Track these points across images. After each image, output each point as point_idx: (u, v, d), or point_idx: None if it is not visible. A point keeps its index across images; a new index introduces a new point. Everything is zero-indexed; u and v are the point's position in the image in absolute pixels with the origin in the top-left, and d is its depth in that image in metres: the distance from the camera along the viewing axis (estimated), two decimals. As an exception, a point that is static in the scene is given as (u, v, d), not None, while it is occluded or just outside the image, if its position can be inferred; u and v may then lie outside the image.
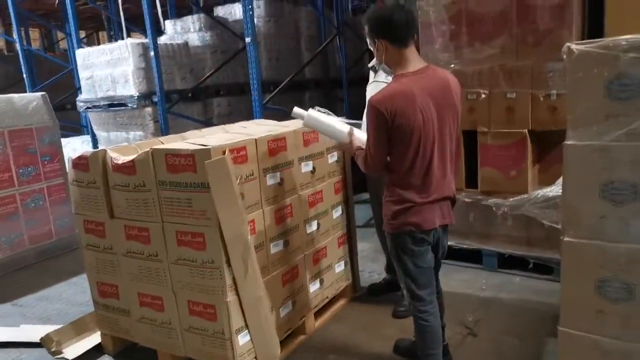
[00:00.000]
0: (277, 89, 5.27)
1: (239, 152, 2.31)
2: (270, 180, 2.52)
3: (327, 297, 3.08)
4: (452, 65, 3.47)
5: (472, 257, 3.67)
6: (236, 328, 2.35)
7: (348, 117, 6.10)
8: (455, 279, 3.49)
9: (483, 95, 3.40)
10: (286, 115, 4.39)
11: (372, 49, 2.12)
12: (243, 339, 2.40)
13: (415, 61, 2.04)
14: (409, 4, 2.95)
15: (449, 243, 3.65)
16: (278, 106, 6.21)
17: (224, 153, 2.18)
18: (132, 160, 2.36)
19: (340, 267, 3.18)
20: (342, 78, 6.48)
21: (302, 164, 2.77)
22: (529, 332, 2.77)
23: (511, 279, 3.44)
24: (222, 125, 3.15)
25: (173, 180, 2.29)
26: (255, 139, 2.43)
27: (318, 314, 3.02)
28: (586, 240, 1.79)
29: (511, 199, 3.41)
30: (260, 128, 2.89)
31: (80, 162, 2.56)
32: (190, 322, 2.44)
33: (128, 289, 2.63)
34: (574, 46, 1.73)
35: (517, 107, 3.29)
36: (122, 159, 2.41)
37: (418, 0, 3.58)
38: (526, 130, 3.28)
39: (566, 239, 1.84)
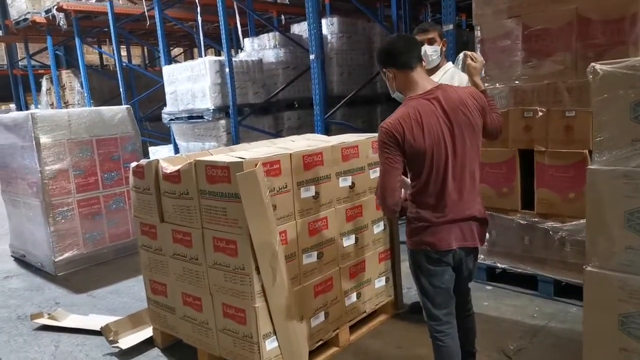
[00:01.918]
0: (340, 104, 5.38)
1: (272, 166, 2.44)
2: (304, 193, 2.62)
3: (365, 312, 3.10)
4: (509, 82, 3.36)
5: (527, 282, 3.49)
6: (264, 333, 2.46)
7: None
8: (506, 304, 3.35)
9: (540, 113, 3.25)
10: (356, 130, 4.45)
11: (386, 82, 2.17)
12: (271, 344, 2.50)
13: (424, 83, 2.05)
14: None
15: (503, 266, 3.58)
16: (348, 121, 6.34)
17: (255, 166, 2.32)
18: (178, 170, 2.58)
19: (380, 283, 3.19)
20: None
21: (340, 178, 2.83)
22: (573, 366, 2.58)
23: (566, 309, 3.22)
24: (272, 139, 3.31)
25: (211, 190, 2.47)
26: (290, 154, 2.54)
27: (354, 327, 3.04)
28: (610, 271, 1.68)
29: (569, 223, 3.23)
30: (305, 143, 3.01)
31: (138, 170, 2.84)
32: (224, 323, 2.60)
33: (174, 288, 2.84)
34: (598, 66, 1.65)
35: (577, 126, 3.11)
36: (170, 168, 2.64)
37: (475, 18, 3.52)
38: (587, 151, 3.08)
39: (589, 268, 1.73)
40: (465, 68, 2.41)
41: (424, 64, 2.17)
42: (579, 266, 3.20)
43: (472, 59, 2.39)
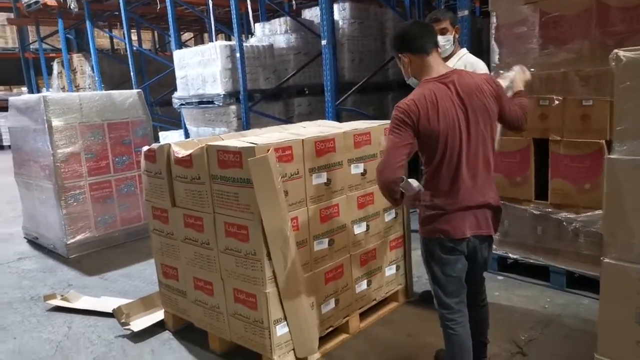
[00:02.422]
0: (351, 90, 5.33)
1: (284, 152, 2.42)
2: (316, 180, 2.60)
3: (375, 300, 3.10)
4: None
5: (539, 273, 3.47)
6: (275, 319, 2.46)
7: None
8: (517, 295, 3.33)
9: (556, 102, 3.19)
10: (367, 117, 4.42)
11: (401, 68, 2.16)
12: (281, 329, 2.51)
13: (440, 67, 2.04)
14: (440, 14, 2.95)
15: (515, 256, 3.55)
16: (360, 108, 6.29)
17: (267, 152, 2.30)
18: (190, 155, 2.58)
19: (391, 271, 3.18)
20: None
21: (352, 165, 2.81)
22: (583, 358, 2.56)
23: (579, 300, 3.20)
24: (283, 125, 3.29)
25: (223, 175, 2.46)
26: (302, 140, 2.52)
27: (364, 315, 3.05)
28: (628, 263, 1.66)
29: (584, 214, 3.18)
30: (317, 129, 2.98)
31: (150, 154, 2.84)
32: (235, 308, 2.61)
33: (185, 272, 2.86)
34: (622, 53, 1.61)
35: (594, 116, 3.05)
36: (182, 152, 2.63)
37: (491, 4, 3.45)
38: (603, 141, 3.03)
39: (606, 260, 1.71)
40: (516, 77, 2.41)
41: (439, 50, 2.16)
42: (593, 258, 3.20)
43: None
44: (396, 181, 1.98)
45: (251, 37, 7.41)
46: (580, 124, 3.11)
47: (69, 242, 4.57)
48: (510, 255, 3.57)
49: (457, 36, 2.97)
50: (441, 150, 1.96)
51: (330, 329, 2.80)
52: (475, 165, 2.00)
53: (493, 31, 3.50)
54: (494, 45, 3.53)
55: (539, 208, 3.38)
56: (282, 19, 6.85)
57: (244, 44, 5.88)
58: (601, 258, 1.72)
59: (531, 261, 3.48)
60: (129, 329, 3.06)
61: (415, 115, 1.92)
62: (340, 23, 6.46)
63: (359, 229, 2.91)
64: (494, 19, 3.47)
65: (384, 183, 1.99)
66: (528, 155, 3.36)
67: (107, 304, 3.42)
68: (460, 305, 2.14)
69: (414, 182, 2.04)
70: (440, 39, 2.84)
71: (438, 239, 2.03)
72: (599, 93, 2.99)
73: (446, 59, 2.93)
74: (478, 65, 2.92)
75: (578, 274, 3.28)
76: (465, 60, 2.93)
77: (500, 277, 3.59)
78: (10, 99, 5.11)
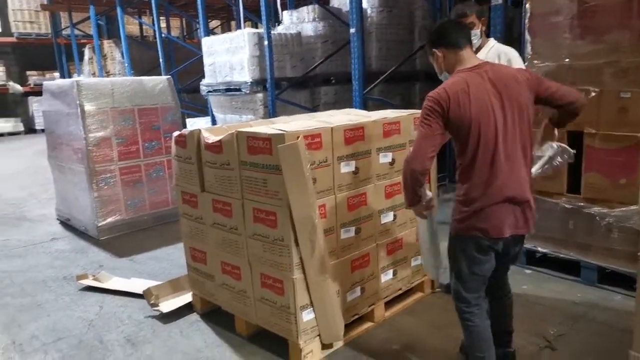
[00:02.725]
0: (379, 80, 5.28)
1: (313, 139, 2.42)
2: (344, 168, 2.60)
3: (400, 289, 3.09)
4: (559, 60, 3.22)
5: (568, 268, 3.41)
6: (301, 305, 2.49)
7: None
8: (546, 289, 3.28)
9: (593, 94, 3.10)
10: (393, 107, 4.38)
11: (434, 64, 2.19)
12: (307, 315, 2.53)
13: (472, 60, 2.07)
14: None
15: (544, 250, 3.49)
16: (386, 97, 6.24)
17: (297, 139, 2.31)
18: (220, 141, 2.60)
19: (417, 261, 3.16)
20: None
21: (381, 154, 2.80)
22: (614, 354, 2.52)
23: (610, 296, 3.13)
24: (311, 113, 3.28)
25: (252, 161, 2.48)
26: (332, 127, 2.52)
27: (390, 304, 3.05)
28: (667, 259, 1.61)
29: (618, 209, 3.11)
30: (346, 117, 2.97)
31: (180, 140, 2.88)
32: (262, 293, 2.64)
33: (213, 256, 2.90)
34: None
35: (632, 108, 2.96)
36: (212, 138, 2.66)
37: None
38: (641, 134, 2.94)
39: (644, 255, 1.66)
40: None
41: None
42: (627, 253, 3.13)
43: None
44: (424, 172, 1.99)
45: (279, 25, 7.40)
46: (617, 117, 3.03)
47: (99, 225, 4.68)
48: (539, 249, 3.52)
49: (483, 28, 2.94)
50: (475, 137, 1.94)
51: (356, 316, 2.81)
52: (513, 153, 1.97)
53: (526, 21, 3.42)
54: (527, 35, 3.44)
55: (571, 202, 3.31)
56: (310, 6, 6.81)
57: (272, 32, 5.88)
58: (638, 254, 1.67)
59: (561, 256, 3.42)
60: (158, 310, 3.14)
61: (445, 103, 1.93)
62: (369, 11, 6.39)
63: (386, 219, 2.90)
64: (527, 8, 3.38)
65: (412, 174, 1.99)
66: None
67: (137, 285, 3.51)
68: (478, 300, 2.15)
69: (428, 191, 2.12)
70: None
71: (476, 238, 2.01)
72: (638, 85, 2.91)
73: (475, 51, 2.89)
74: (511, 53, 2.87)
75: (610, 269, 3.21)
76: (498, 50, 2.91)
77: (528, 271, 3.54)
78: (45, 83, 5.24)
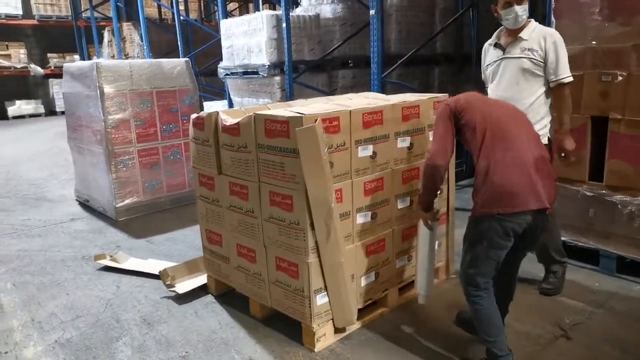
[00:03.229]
0: (398, 63, 5.20)
1: (331, 122, 2.40)
2: (361, 152, 2.57)
3: (415, 275, 3.07)
4: (586, 43, 3.12)
5: (587, 256, 3.35)
6: (315, 288, 2.49)
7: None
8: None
9: (620, 78, 3.01)
10: (412, 90, 4.28)
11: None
12: (321, 299, 2.53)
13: None
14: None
15: (563, 238, 3.42)
16: (404, 81, 6.16)
17: (315, 122, 2.28)
18: (237, 123, 2.59)
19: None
20: (471, 53, 6.15)
21: (399, 139, 2.76)
22: (632, 344, 2.48)
23: (629, 286, 3.07)
24: (329, 96, 3.25)
25: (270, 144, 2.46)
26: (350, 111, 2.48)
27: (404, 289, 3.04)
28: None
29: (642, 198, 3.03)
30: (364, 101, 2.93)
31: (198, 122, 2.87)
32: (276, 276, 2.65)
33: (229, 239, 2.91)
34: None
35: (661, 94, 2.86)
36: (230, 121, 2.65)
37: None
38: (669, 121, 2.85)
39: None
40: None
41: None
42: (648, 243, 3.06)
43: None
44: (446, 167, 2.22)
45: (297, 7, 7.31)
46: (644, 102, 2.93)
47: (117, 206, 4.74)
48: (558, 237, 3.45)
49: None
50: (481, 121, 2.15)
51: (370, 301, 2.81)
52: (523, 132, 2.17)
53: (552, 2, 3.32)
54: (552, 16, 3.35)
55: (593, 189, 3.25)
56: (328, -12, 6.70)
57: (290, 14, 5.81)
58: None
59: (580, 244, 3.36)
60: (173, 291, 3.17)
61: (453, 102, 2.24)
62: (389, -7, 6.27)
63: (403, 204, 2.87)
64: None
65: (435, 169, 2.21)
66: (584, 134, 3.20)
67: (154, 266, 3.55)
68: (487, 284, 2.19)
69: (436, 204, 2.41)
70: (519, 9, 2.82)
71: (497, 217, 2.04)
72: (667, 69, 2.81)
73: (520, 29, 2.86)
74: (556, 35, 2.82)
75: (630, 259, 3.15)
76: (543, 31, 2.85)
77: (546, 259, 3.48)
78: (65, 65, 5.28)
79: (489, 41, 3.06)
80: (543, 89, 2.85)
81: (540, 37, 2.80)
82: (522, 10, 2.80)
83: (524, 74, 2.84)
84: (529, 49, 2.81)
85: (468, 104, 2.21)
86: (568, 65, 2.79)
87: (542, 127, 2.86)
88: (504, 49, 2.92)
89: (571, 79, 2.80)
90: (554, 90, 2.84)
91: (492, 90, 2.99)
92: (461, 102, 2.22)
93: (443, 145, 2.20)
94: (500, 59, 2.94)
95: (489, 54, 3.06)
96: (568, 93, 2.81)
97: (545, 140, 2.87)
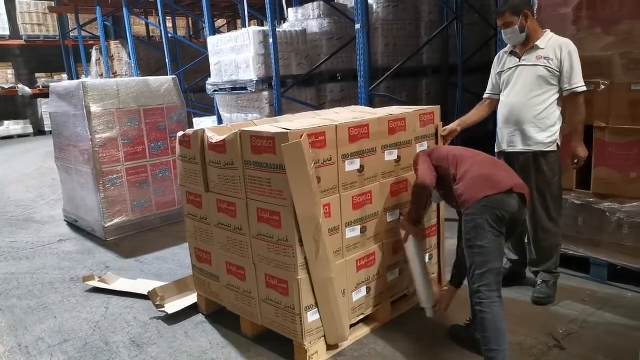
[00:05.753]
0: (385, 76, 5.24)
1: (317, 137, 2.39)
2: (349, 167, 2.56)
3: (407, 289, 3.05)
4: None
5: (577, 265, 3.35)
6: (306, 305, 2.46)
7: (460, 108, 5.85)
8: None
9: (602, 87, 3.05)
10: (400, 103, 4.33)
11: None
12: (312, 316, 2.50)
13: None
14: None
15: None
16: (393, 93, 6.19)
17: (301, 137, 2.28)
18: (224, 140, 2.58)
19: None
20: (457, 64, 6.22)
21: (386, 152, 2.76)
22: (625, 353, 2.47)
23: (621, 294, 3.07)
24: (316, 111, 3.25)
25: (256, 161, 2.45)
26: (336, 125, 2.48)
27: (396, 303, 3.01)
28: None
29: (629, 205, 3.05)
30: (351, 115, 2.93)
31: (185, 140, 2.86)
32: (267, 294, 2.62)
33: (218, 257, 2.88)
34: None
35: (643, 101, 2.89)
36: (216, 138, 2.64)
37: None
38: (653, 128, 2.88)
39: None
40: None
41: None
42: (638, 250, 3.07)
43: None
44: (433, 186, 2.51)
45: (284, 22, 7.37)
46: (628, 110, 2.97)
47: (106, 225, 4.69)
48: (548, 246, 3.45)
49: (528, 23, 2.90)
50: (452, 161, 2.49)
51: (361, 316, 2.78)
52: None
53: (535, 13, 3.36)
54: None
55: (581, 198, 3.26)
56: (315, 3, 6.77)
57: (277, 30, 5.85)
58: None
59: (570, 252, 3.36)
60: (163, 311, 3.13)
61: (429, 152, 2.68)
62: (375, 7, 6.34)
63: (392, 217, 2.86)
64: (535, 1, 3.33)
65: (423, 189, 2.50)
66: (570, 143, 3.22)
67: (143, 286, 3.50)
68: (492, 293, 2.24)
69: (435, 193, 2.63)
70: (504, 33, 2.95)
71: (487, 206, 2.23)
72: (649, 78, 2.84)
73: (528, 43, 2.94)
74: (571, 46, 2.86)
75: (620, 266, 3.15)
76: (559, 41, 2.89)
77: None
78: (52, 85, 5.26)
79: (505, 49, 3.13)
80: (556, 97, 2.90)
81: (556, 46, 2.86)
82: (510, 32, 2.91)
83: (538, 81, 2.89)
84: (545, 57, 2.87)
85: (439, 154, 2.61)
86: (582, 75, 2.84)
87: (552, 134, 2.91)
88: (519, 57, 2.98)
89: (585, 88, 2.85)
90: (568, 99, 2.90)
91: (505, 97, 3.04)
92: (434, 155, 2.61)
93: (429, 168, 2.52)
94: (516, 66, 2.99)
95: (505, 61, 3.09)
96: (582, 102, 2.86)
97: (554, 147, 2.92)
